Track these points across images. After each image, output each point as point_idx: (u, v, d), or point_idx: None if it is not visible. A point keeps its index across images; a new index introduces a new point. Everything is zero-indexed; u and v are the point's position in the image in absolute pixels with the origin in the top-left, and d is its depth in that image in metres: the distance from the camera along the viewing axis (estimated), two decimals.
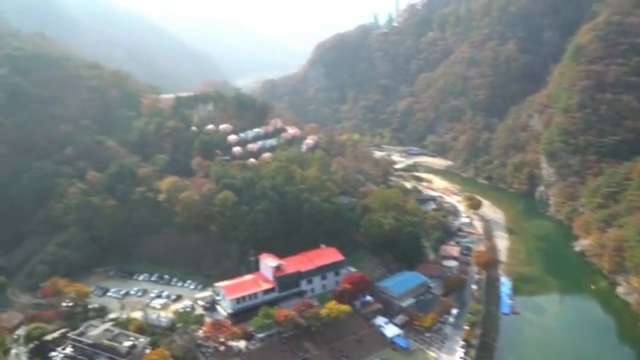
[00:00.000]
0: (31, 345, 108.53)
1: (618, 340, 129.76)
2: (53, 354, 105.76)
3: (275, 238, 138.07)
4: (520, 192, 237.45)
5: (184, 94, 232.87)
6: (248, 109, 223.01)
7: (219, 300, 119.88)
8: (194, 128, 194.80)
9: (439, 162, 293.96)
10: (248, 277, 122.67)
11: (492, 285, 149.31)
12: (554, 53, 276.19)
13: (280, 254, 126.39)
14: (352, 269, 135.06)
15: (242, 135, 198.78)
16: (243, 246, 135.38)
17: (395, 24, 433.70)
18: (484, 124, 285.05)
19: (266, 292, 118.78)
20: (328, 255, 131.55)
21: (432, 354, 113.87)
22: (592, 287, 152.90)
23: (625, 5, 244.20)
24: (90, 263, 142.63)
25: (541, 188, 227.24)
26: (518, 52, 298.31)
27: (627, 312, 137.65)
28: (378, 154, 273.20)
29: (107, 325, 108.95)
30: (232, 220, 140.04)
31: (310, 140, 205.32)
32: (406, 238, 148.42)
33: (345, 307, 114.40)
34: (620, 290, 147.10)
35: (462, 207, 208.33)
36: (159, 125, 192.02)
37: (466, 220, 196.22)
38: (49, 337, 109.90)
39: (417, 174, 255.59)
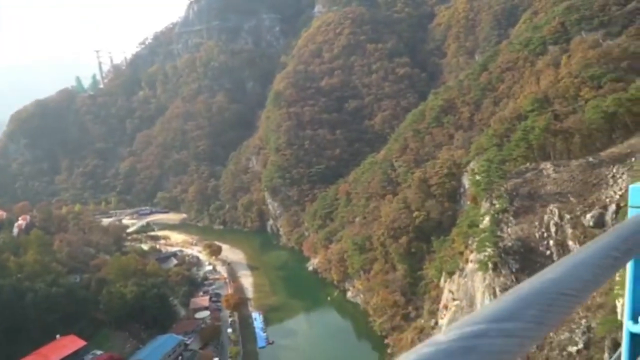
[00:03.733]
0: None
1: (357, 337, 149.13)
2: None
3: None
4: (254, 230, 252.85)
5: None
6: None
7: None
8: None
9: (173, 217, 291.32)
10: None
11: (245, 324, 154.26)
12: (259, 100, 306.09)
13: None
14: (99, 352, 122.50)
15: None
16: None
17: (101, 86, 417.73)
18: (209, 172, 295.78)
19: None
20: (66, 345, 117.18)
21: None
22: (329, 298, 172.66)
23: (305, 56, 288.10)
24: None
25: (270, 222, 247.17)
26: (228, 102, 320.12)
27: (358, 312, 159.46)
28: (106, 221, 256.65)
29: None
30: None
31: (22, 222, 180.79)
32: (152, 302, 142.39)
33: None
34: (349, 295, 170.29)
35: (203, 256, 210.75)
36: None
37: (210, 267, 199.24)
38: None
39: (152, 233, 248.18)
